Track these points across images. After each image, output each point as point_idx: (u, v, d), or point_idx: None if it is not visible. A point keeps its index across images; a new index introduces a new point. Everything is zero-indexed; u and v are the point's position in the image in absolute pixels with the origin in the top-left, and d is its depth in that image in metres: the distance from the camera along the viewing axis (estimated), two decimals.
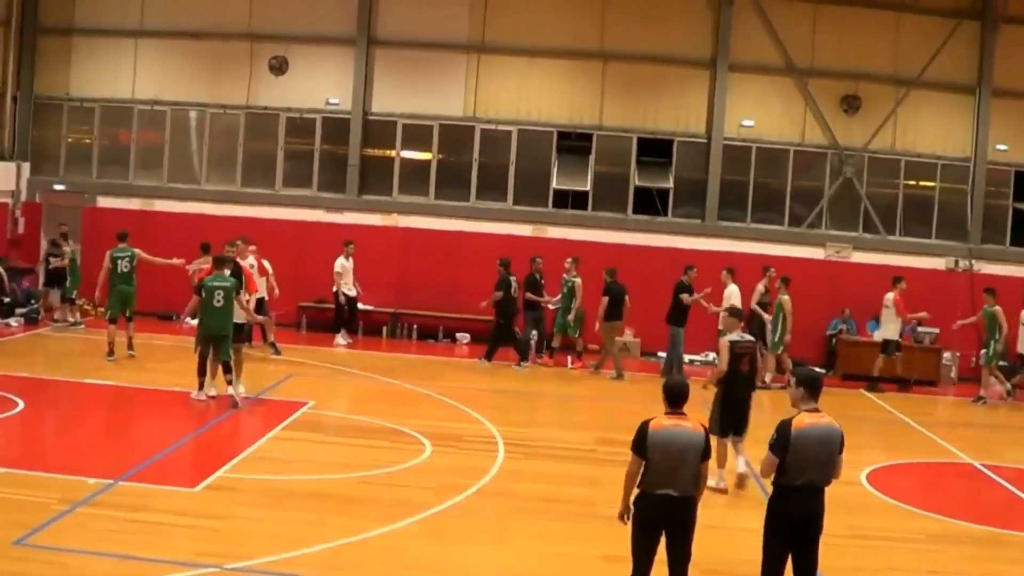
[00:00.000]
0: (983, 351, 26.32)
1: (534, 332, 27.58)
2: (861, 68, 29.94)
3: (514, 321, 27.11)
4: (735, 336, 16.30)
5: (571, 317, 26.74)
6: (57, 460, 15.41)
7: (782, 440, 10.13)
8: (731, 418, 16.01)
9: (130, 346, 24.23)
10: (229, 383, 19.94)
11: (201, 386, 20.11)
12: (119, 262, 24.22)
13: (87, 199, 31.25)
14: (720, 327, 18.11)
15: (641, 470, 10.17)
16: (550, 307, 27.70)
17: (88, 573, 11.38)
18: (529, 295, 27.07)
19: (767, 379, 25.48)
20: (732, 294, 25.13)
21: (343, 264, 27.87)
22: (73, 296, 28.01)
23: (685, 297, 25.89)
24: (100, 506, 13.46)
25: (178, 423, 19.12)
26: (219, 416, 19.27)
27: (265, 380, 22.04)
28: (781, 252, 29.26)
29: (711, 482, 14.45)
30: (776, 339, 25.90)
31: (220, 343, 19.97)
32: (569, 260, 27.03)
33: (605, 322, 26.30)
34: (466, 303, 28.36)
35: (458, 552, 12.86)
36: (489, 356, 26.84)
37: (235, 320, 20.18)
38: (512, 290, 26.77)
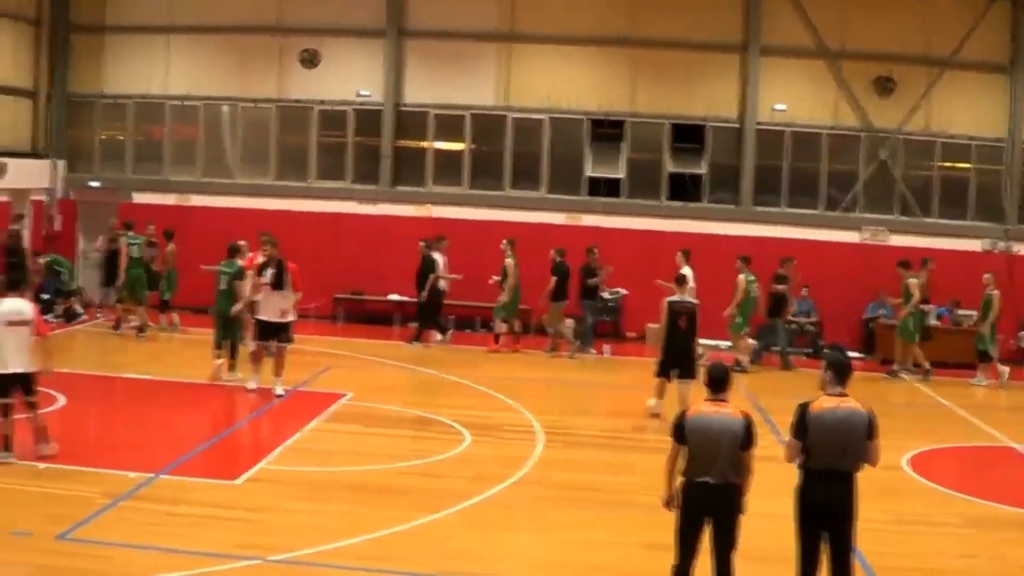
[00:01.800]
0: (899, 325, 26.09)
1: (590, 321, 27.53)
2: (894, 50, 29.62)
3: (437, 300, 27.55)
4: (675, 297, 19.77)
5: (503, 299, 26.91)
6: (99, 455, 15.52)
7: (799, 422, 10.10)
8: (670, 362, 19.55)
9: (118, 325, 26.40)
10: (218, 358, 21.32)
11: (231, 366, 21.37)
12: (132, 248, 26.54)
13: (122, 195, 31.33)
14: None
15: (682, 457, 10.16)
16: (606, 294, 28.03)
17: (131, 566, 11.45)
18: (588, 284, 27.11)
19: (743, 360, 25.53)
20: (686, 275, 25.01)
21: (439, 259, 27.80)
22: (72, 288, 28.90)
23: (781, 288, 26.08)
24: (142, 500, 13.57)
25: (218, 416, 19.38)
26: (259, 409, 19.38)
27: (303, 372, 22.05)
28: (816, 236, 29.14)
29: (650, 402, 19.82)
30: (739, 321, 25.75)
31: (223, 323, 21.29)
32: (505, 241, 27.09)
33: (552, 303, 26.58)
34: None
35: (499, 541, 12.92)
36: (418, 337, 27.49)
37: (277, 319, 20.23)
38: (436, 269, 27.16)
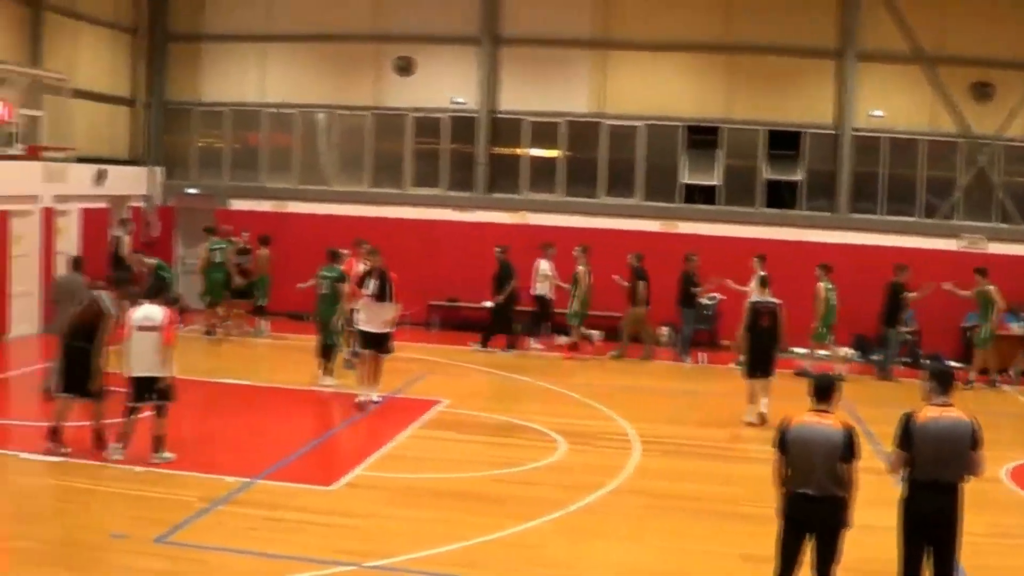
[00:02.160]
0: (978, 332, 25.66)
1: (688, 330, 27.47)
2: (992, 54, 29.13)
3: (512, 308, 27.70)
4: (756, 297, 20.78)
5: (577, 307, 26.97)
6: (196, 459, 15.66)
7: (903, 433, 9.98)
8: (755, 361, 20.02)
9: (212, 331, 26.86)
10: (319, 366, 21.92)
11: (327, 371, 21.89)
12: (215, 253, 27.34)
13: (219, 201, 31.69)
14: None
15: (784, 467, 10.06)
16: (705, 300, 28.06)
17: (228, 570, 11.57)
18: (688, 291, 27.07)
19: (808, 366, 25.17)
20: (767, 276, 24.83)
21: (548, 266, 27.80)
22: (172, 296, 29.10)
23: (912, 295, 25.78)
24: (239, 504, 13.70)
25: (314, 421, 19.54)
26: (355, 415, 19.48)
27: (398, 379, 22.06)
28: (914, 244, 28.66)
29: (746, 417, 19.86)
30: (821, 330, 25.34)
31: (321, 327, 21.87)
32: (577, 248, 27.07)
33: (635, 307, 26.94)
34: (598, 300, 28.02)
35: (595, 550, 12.85)
36: (484, 343, 27.68)
37: (379, 330, 20.17)
38: (512, 276, 27.39)
